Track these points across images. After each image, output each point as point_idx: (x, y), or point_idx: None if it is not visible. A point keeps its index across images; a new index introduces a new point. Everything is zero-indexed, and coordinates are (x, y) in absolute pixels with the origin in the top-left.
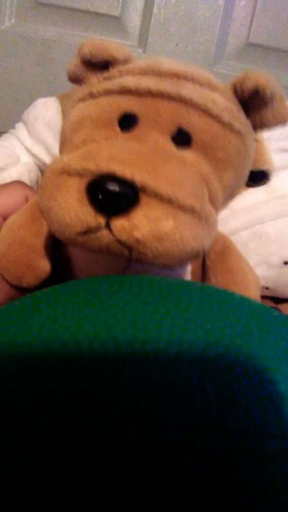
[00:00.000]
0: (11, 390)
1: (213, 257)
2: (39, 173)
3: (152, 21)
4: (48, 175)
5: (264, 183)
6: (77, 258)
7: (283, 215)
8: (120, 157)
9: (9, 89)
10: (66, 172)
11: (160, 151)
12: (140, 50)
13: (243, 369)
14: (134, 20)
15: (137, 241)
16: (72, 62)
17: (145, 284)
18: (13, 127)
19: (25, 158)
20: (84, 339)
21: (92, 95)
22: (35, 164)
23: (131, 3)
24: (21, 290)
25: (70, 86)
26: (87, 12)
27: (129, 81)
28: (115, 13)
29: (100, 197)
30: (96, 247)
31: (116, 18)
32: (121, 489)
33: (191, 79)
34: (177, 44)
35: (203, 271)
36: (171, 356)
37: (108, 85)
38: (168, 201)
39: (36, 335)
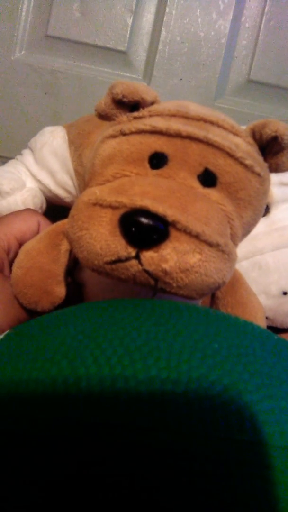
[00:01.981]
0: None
1: (223, 288)
2: (43, 199)
3: (157, 56)
4: (80, 206)
5: (264, 215)
6: (93, 286)
7: (282, 247)
8: (152, 193)
9: (17, 116)
10: (99, 204)
11: (188, 189)
12: (145, 84)
13: (248, 385)
14: (140, 55)
15: (164, 272)
16: (101, 100)
17: (157, 310)
18: (20, 153)
19: (31, 183)
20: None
21: (123, 133)
22: (40, 189)
23: (138, 39)
24: (32, 313)
25: (75, 116)
26: (95, 46)
27: (160, 123)
28: (122, 48)
29: (133, 229)
30: (123, 276)
31: (123, 52)
32: (134, 497)
33: (216, 124)
34: (180, 79)
35: (212, 301)
36: (182, 374)
37: (140, 124)
38: (196, 236)
39: (46, 372)
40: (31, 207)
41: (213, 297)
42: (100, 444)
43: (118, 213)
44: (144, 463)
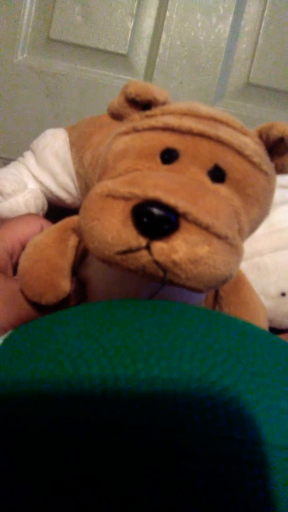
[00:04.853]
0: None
1: (226, 287)
2: (45, 200)
3: (158, 60)
4: (92, 198)
5: None
6: (98, 282)
7: (281, 248)
8: (164, 185)
9: (19, 119)
10: (111, 195)
11: (198, 183)
12: None
13: (248, 385)
14: (140, 58)
15: (174, 262)
16: (114, 100)
17: (160, 312)
18: (21, 155)
19: (32, 185)
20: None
21: (136, 130)
22: (41, 191)
23: (138, 42)
24: (34, 311)
25: (77, 118)
26: (96, 49)
27: (172, 120)
28: (123, 51)
29: (145, 220)
30: (133, 266)
31: (124, 56)
32: (135, 495)
33: (226, 123)
34: (180, 82)
35: (215, 300)
36: (183, 374)
37: (152, 121)
38: (206, 228)
39: (49, 374)
40: (33, 208)
41: (216, 296)
42: (102, 444)
43: (130, 204)
44: (145, 462)
